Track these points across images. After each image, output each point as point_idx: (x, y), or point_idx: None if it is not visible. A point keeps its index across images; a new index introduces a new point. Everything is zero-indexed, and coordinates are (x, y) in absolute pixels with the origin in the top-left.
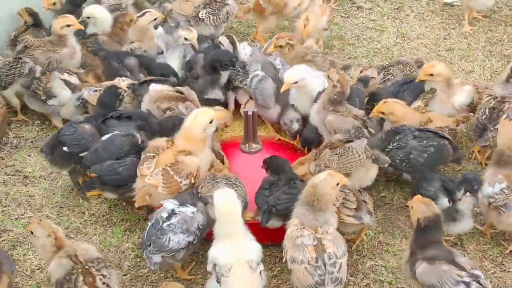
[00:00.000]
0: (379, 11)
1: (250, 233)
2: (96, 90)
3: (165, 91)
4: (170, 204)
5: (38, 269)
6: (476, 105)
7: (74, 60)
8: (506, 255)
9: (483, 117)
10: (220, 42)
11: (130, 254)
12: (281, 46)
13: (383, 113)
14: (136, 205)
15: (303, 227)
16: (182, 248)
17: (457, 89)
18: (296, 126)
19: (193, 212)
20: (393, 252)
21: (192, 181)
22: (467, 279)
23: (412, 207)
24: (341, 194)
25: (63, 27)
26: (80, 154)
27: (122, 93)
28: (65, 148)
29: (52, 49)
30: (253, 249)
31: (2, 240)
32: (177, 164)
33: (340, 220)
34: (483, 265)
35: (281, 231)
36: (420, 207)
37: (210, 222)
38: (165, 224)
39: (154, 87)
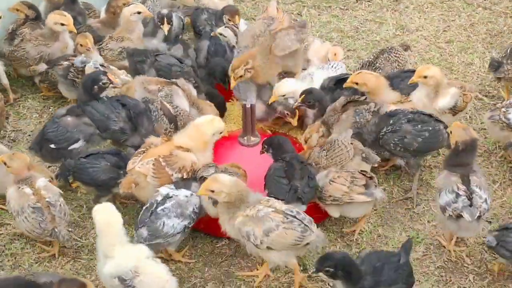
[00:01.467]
0: (378, 3)
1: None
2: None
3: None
4: (165, 189)
5: (36, 263)
6: (461, 109)
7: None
8: None
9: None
10: (221, 34)
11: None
12: (241, 77)
13: (356, 83)
14: (121, 190)
15: None
16: (178, 233)
17: (442, 91)
18: (291, 101)
19: (186, 196)
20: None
21: (186, 176)
22: (461, 192)
23: (451, 132)
24: (348, 174)
25: (56, 24)
26: (69, 148)
27: (104, 81)
28: (52, 145)
29: (43, 43)
30: (141, 251)
31: (0, 234)
32: (170, 157)
33: (351, 201)
34: (483, 257)
35: None
36: (458, 132)
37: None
38: (159, 209)
39: None
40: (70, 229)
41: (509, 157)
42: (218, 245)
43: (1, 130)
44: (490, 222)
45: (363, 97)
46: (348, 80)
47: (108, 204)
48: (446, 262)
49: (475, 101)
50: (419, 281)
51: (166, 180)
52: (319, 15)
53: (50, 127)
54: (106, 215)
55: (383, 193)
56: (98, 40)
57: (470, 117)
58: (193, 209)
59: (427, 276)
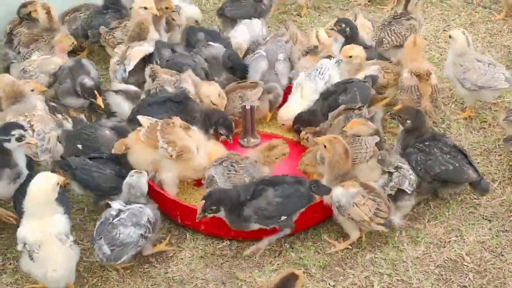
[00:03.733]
0: (377, 3)
1: (59, 207)
2: None
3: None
4: (116, 204)
5: None
6: (385, 86)
7: None
8: (506, 246)
9: None
10: None
11: None
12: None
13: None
14: (113, 150)
15: None
16: (133, 241)
17: (365, 69)
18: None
19: (141, 207)
20: (392, 244)
21: (170, 153)
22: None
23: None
24: (373, 204)
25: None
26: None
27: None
28: (79, 145)
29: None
30: (61, 222)
31: (1, 237)
32: (168, 129)
33: (368, 227)
34: (483, 256)
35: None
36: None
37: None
38: (115, 220)
39: None
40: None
41: (509, 151)
42: (219, 246)
43: None
44: (490, 220)
45: (359, 105)
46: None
47: (50, 175)
48: (446, 261)
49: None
50: (419, 280)
51: (152, 142)
52: (319, 15)
53: (87, 128)
54: (42, 184)
55: (401, 218)
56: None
57: (470, 117)
58: (148, 219)
59: (427, 275)
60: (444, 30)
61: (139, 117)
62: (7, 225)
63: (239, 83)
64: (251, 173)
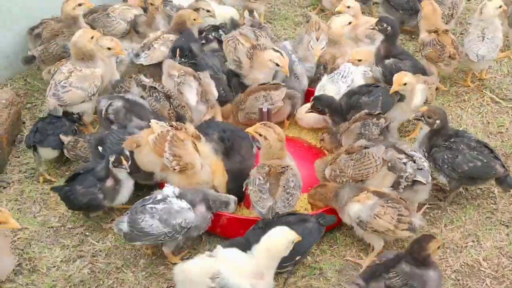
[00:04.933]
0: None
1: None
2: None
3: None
4: (169, 190)
5: (54, 267)
6: (430, 102)
7: None
8: None
9: None
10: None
11: (145, 252)
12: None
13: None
14: (123, 145)
15: None
16: (154, 233)
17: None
18: None
19: (181, 208)
20: (397, 248)
21: (174, 166)
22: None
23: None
24: (394, 211)
25: (75, 8)
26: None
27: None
28: (100, 148)
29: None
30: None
31: (18, 238)
32: (180, 142)
33: (394, 235)
34: (500, 261)
35: None
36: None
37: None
38: (149, 205)
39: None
40: (87, 233)
41: None
42: None
43: (18, 134)
44: (508, 226)
45: (379, 112)
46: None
47: None
48: (462, 266)
49: (492, 105)
50: None
51: (158, 151)
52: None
53: (115, 134)
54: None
55: (422, 219)
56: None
57: (488, 121)
58: (182, 221)
59: (443, 279)
60: (461, 34)
61: (152, 122)
62: (22, 226)
63: (261, 85)
64: None
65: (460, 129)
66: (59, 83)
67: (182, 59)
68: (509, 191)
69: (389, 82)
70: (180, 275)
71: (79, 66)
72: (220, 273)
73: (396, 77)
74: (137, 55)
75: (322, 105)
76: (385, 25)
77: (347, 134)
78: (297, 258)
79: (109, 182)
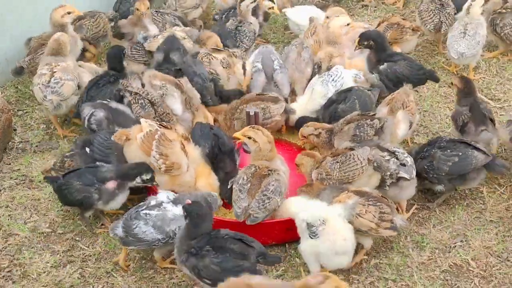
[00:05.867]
0: (384, 8)
1: None
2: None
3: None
4: (163, 195)
5: (44, 272)
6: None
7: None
8: None
9: None
10: None
11: (135, 256)
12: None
13: None
14: (112, 137)
15: None
16: (147, 239)
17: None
18: None
19: (176, 215)
20: (397, 249)
21: (160, 165)
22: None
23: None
24: (376, 209)
25: (63, 16)
26: (96, 162)
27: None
28: (87, 148)
29: None
30: None
31: (9, 244)
32: (168, 141)
33: (377, 234)
34: (488, 261)
35: (284, 231)
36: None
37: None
38: (143, 211)
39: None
40: (77, 238)
41: None
42: None
43: (9, 141)
44: (496, 225)
45: (370, 113)
46: None
47: None
48: (451, 266)
49: None
50: (424, 286)
51: (145, 149)
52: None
53: (102, 135)
54: None
55: (404, 220)
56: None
57: None
58: (176, 228)
59: (432, 280)
60: None
61: (142, 120)
62: (13, 232)
63: (258, 94)
64: None
65: (440, 133)
66: (49, 83)
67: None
68: (505, 174)
69: (388, 87)
70: None
71: (54, 62)
72: None
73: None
74: (145, 38)
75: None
76: (366, 42)
77: (340, 136)
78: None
79: (111, 185)
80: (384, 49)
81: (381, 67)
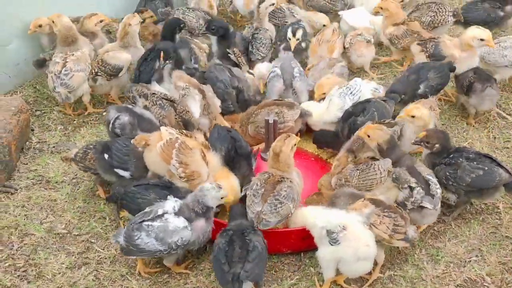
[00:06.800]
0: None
1: None
2: None
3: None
4: (170, 204)
5: (59, 273)
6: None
7: None
8: None
9: None
10: None
11: (150, 261)
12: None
13: (381, 8)
14: (132, 141)
15: None
16: (149, 250)
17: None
18: None
19: (178, 227)
20: (412, 262)
21: (180, 174)
22: (413, 185)
23: (368, 135)
24: (390, 221)
25: (97, 24)
26: (115, 170)
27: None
28: (106, 155)
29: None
30: None
31: (24, 244)
32: (188, 150)
33: (389, 244)
34: (504, 277)
35: (300, 239)
36: (377, 133)
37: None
38: (146, 222)
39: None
40: (92, 240)
41: None
42: None
43: (26, 141)
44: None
45: (389, 120)
46: (376, 6)
47: None
48: (465, 281)
49: (498, 120)
50: None
51: (165, 157)
52: None
53: (121, 141)
54: None
55: (416, 231)
56: None
57: (494, 136)
58: (179, 240)
59: None
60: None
61: (162, 128)
62: (29, 232)
63: (276, 100)
64: None
65: (463, 145)
66: (60, 73)
67: (167, 62)
68: None
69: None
70: None
71: (69, 51)
72: None
73: (408, 107)
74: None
75: (321, 142)
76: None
77: (364, 150)
78: None
79: None
80: None
81: None
